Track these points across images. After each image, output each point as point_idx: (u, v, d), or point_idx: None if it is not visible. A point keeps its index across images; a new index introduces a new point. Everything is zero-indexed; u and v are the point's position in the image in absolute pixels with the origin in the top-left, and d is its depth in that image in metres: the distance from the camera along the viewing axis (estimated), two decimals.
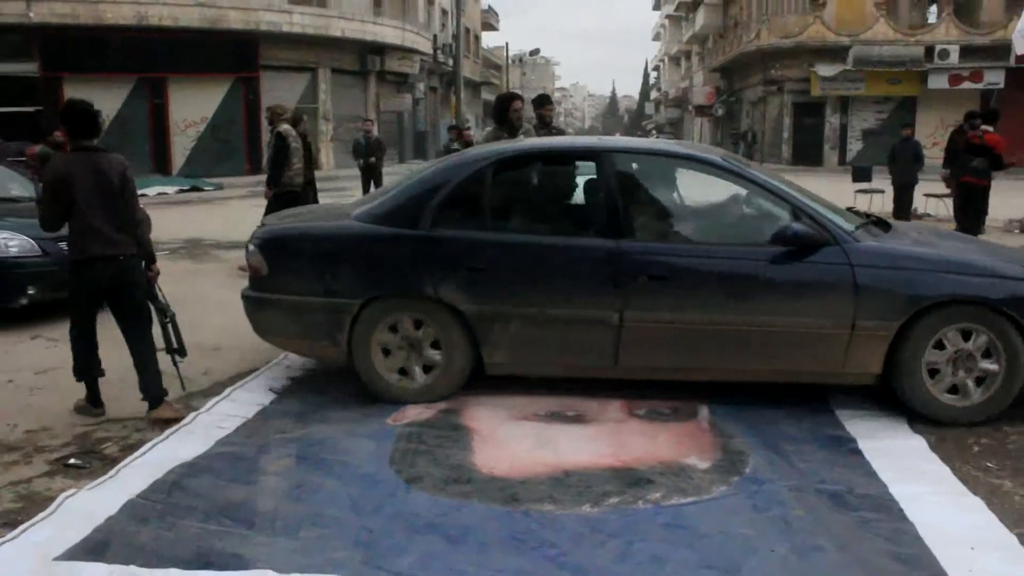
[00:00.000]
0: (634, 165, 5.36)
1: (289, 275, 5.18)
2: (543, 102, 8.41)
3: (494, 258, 4.93)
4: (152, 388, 4.82)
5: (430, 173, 5.37)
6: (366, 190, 15.63)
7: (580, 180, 5.63)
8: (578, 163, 5.63)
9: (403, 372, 5.06)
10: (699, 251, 4.92)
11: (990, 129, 11.23)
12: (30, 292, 6.94)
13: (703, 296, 4.78)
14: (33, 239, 6.94)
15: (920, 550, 3.31)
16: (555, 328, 4.89)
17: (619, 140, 5.63)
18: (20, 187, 8.79)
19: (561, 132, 8.25)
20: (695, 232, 5.23)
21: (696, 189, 5.43)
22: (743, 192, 5.16)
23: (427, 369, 5.04)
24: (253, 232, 5.45)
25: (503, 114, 7.14)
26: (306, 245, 5.26)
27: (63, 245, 6.44)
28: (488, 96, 58.66)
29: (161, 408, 4.79)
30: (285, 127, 9.71)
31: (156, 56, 24.81)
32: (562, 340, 4.93)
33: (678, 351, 4.88)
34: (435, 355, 5.00)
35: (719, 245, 4.99)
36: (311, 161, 10.37)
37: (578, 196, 5.68)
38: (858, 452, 4.31)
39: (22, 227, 7.07)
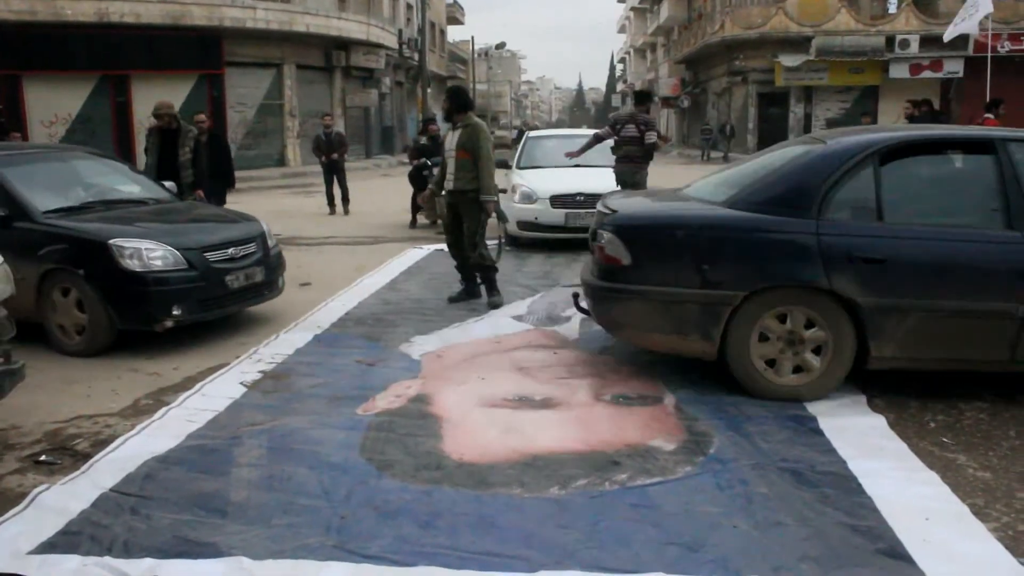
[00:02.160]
0: None
1: (657, 265, 4.94)
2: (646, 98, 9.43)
3: (894, 249, 4.71)
4: None
5: (811, 160, 5.07)
6: (329, 186, 15.52)
7: (969, 169, 5.26)
8: (965, 153, 5.27)
9: (771, 364, 4.87)
10: None
11: (990, 116, 12.20)
12: (175, 313, 6.08)
13: None
14: (178, 249, 6.13)
15: (877, 522, 3.43)
16: (951, 321, 4.73)
17: (1015, 130, 5.42)
18: (139, 186, 7.54)
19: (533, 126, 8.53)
20: None
21: None
22: None
23: (803, 364, 4.87)
24: (604, 219, 5.19)
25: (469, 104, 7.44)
26: (680, 233, 4.95)
27: (208, 256, 6.30)
28: None
29: None
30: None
31: (118, 53, 24.50)
32: (956, 334, 4.77)
33: None
34: (816, 346, 4.82)
35: None
36: None
37: (971, 186, 5.23)
38: (819, 431, 4.42)
39: (160, 234, 6.25)
